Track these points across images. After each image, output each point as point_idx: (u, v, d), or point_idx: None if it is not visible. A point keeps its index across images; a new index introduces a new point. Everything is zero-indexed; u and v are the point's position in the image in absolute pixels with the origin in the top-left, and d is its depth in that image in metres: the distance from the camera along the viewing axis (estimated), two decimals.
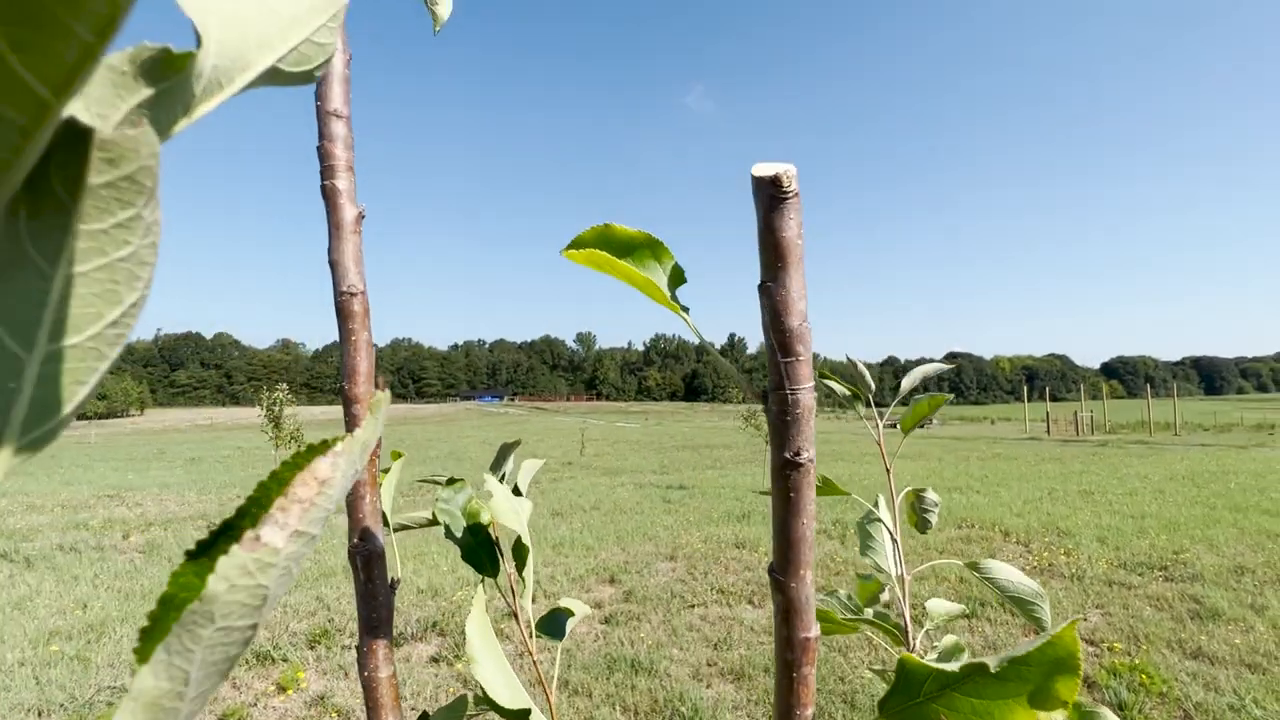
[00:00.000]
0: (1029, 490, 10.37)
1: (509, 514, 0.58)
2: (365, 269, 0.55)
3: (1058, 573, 5.71)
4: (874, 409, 0.74)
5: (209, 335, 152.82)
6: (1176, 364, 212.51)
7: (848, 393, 0.74)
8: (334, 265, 0.53)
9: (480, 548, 0.62)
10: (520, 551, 0.61)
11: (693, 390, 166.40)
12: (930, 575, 5.46)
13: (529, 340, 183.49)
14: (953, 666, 0.28)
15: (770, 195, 0.35)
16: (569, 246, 0.40)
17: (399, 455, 0.63)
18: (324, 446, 0.17)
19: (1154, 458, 15.91)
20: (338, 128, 0.53)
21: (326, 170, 0.53)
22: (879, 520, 0.77)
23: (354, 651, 0.53)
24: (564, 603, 0.70)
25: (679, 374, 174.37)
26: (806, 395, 0.36)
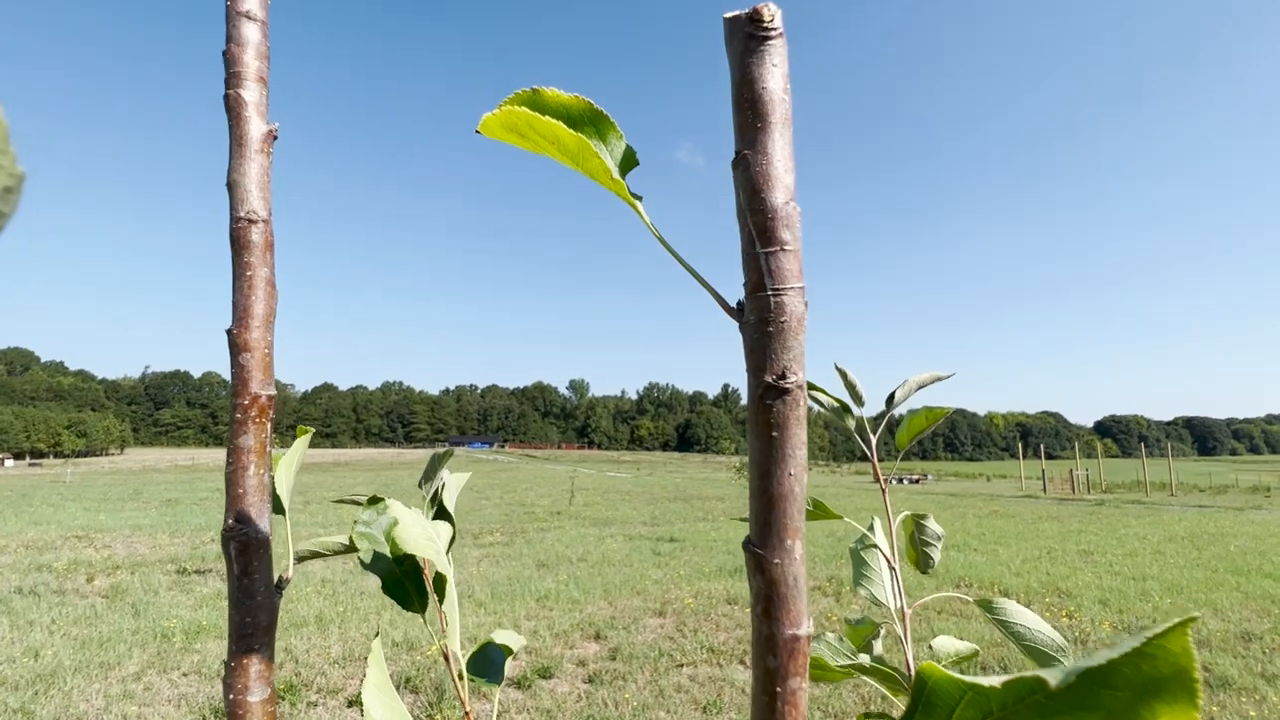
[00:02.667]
0: (1028, 549, 10.14)
1: (419, 541, 0.48)
2: (271, 195, 0.46)
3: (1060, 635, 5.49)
4: (867, 426, 0.65)
5: (197, 374, 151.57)
6: (1169, 424, 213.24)
7: (835, 404, 0.67)
8: (232, 187, 0.45)
9: (405, 578, 0.53)
10: (439, 584, 0.53)
11: (685, 440, 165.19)
12: (931, 615, 5.24)
13: (521, 386, 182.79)
14: (994, 682, 0.17)
15: (748, 35, 0.28)
16: (485, 119, 0.32)
17: (306, 431, 0.55)
18: None
19: (1151, 518, 15.70)
20: (249, 31, 0.46)
21: (232, 78, 0.46)
22: (875, 546, 0.68)
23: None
24: (497, 636, 0.60)
25: (672, 424, 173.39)
26: (794, 299, 0.27)
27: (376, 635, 0.46)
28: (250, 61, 0.46)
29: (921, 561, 0.69)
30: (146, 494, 20.67)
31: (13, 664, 4.42)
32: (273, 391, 0.44)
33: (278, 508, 0.46)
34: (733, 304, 0.30)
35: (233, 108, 0.46)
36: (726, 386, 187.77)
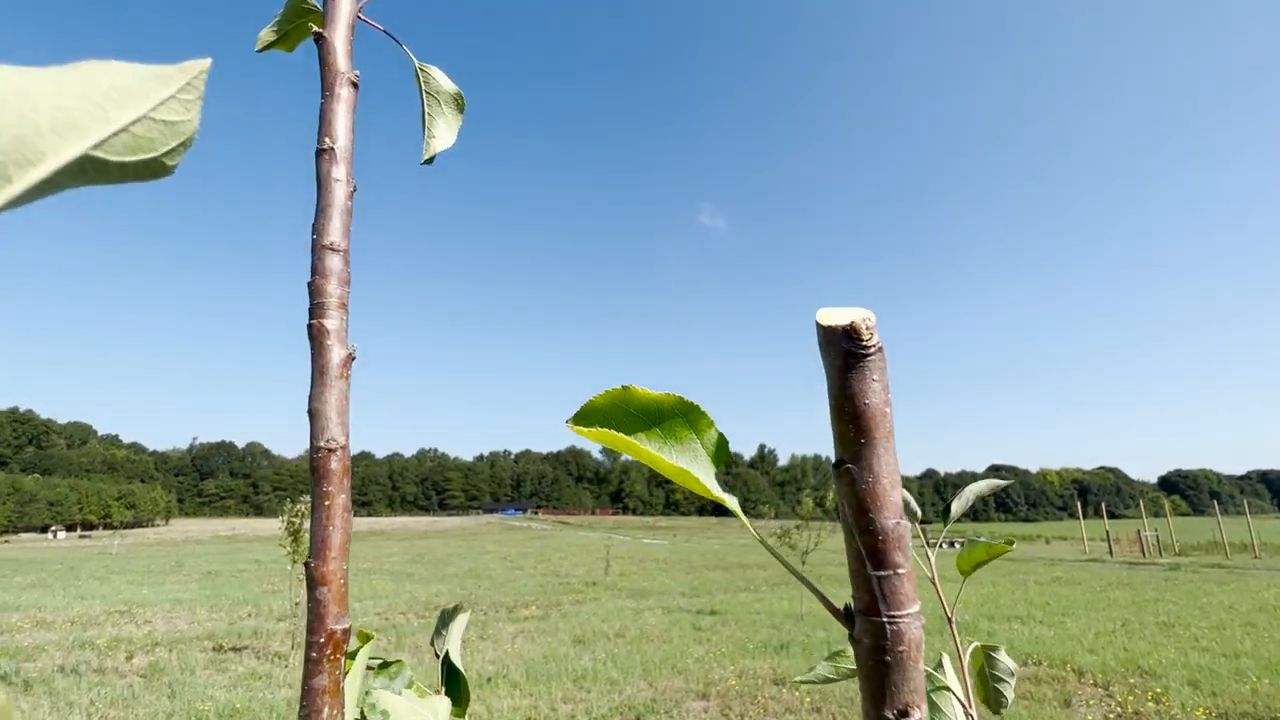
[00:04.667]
0: (1099, 621, 9.36)
1: None
2: (350, 419, 0.46)
3: None
4: (924, 540, 0.61)
5: (241, 444, 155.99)
6: (1242, 478, 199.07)
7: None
8: (313, 415, 0.45)
9: None
10: None
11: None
12: None
13: (554, 451, 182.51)
14: None
15: (846, 352, 0.27)
16: (576, 419, 0.32)
17: (368, 637, 0.52)
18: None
19: (1236, 584, 14.40)
20: (333, 262, 0.48)
21: (316, 308, 0.47)
22: (946, 688, 0.62)
23: None
24: None
25: None
26: (913, 626, 0.25)
27: None
28: (333, 291, 0.48)
29: (993, 699, 0.62)
30: (188, 566, 20.93)
31: None
32: (348, 625, 0.43)
33: None
34: (839, 607, 0.29)
35: (315, 337, 0.47)
36: (763, 448, 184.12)
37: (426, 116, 0.71)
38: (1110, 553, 26.36)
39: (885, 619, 0.26)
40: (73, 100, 0.13)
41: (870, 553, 0.26)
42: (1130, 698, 5.53)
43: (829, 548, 17.52)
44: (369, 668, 0.58)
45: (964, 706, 0.59)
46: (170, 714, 5.17)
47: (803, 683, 0.61)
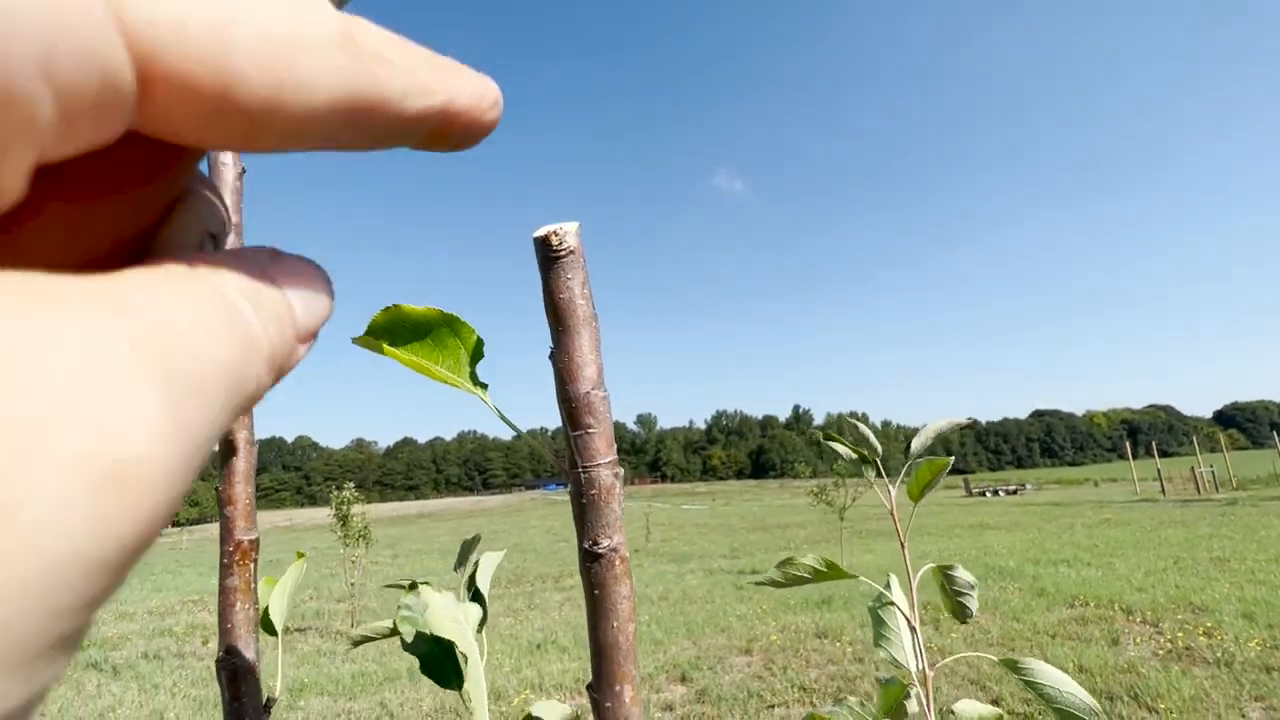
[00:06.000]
0: (1150, 560, 9.19)
1: (446, 624, 0.50)
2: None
3: (1199, 657, 4.90)
4: (885, 475, 0.64)
5: (290, 439, 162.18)
6: None
7: (853, 455, 0.66)
8: None
9: (444, 658, 0.54)
10: (461, 665, 0.53)
11: (760, 467, 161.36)
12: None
13: None
14: None
15: (544, 256, 0.33)
16: (362, 336, 0.36)
17: (302, 555, 0.57)
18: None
19: None
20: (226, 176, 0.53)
21: None
22: (893, 604, 0.65)
23: None
24: (536, 710, 0.59)
25: (744, 450, 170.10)
26: (604, 473, 0.31)
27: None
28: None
29: (959, 612, 0.65)
30: None
31: None
32: (254, 536, 0.49)
33: (270, 630, 0.49)
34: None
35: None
36: (797, 408, 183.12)
37: None
38: (1163, 492, 25.68)
39: (580, 469, 0.31)
40: None
41: (569, 418, 0.32)
42: (1180, 634, 5.46)
43: (866, 503, 17.49)
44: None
45: (908, 620, 0.62)
46: None
47: (758, 584, 0.66)
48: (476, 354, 0.37)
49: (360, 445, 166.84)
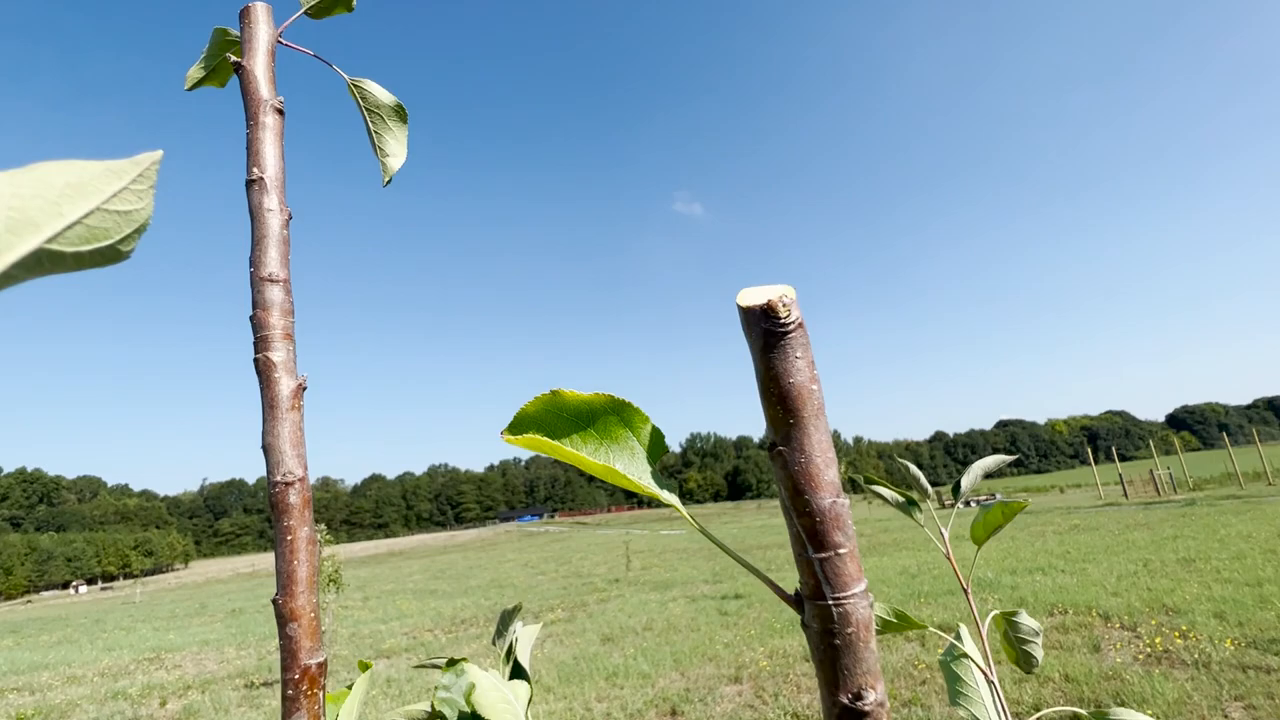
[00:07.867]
0: (1120, 564, 9.40)
1: (497, 707, 0.45)
2: (306, 450, 0.46)
3: (1178, 660, 4.98)
4: (935, 515, 0.60)
5: (251, 481, 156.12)
6: (1249, 407, 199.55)
7: (900, 498, 0.62)
8: (267, 450, 0.44)
9: None
10: None
11: (736, 488, 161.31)
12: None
13: None
14: None
15: (765, 331, 0.26)
16: (510, 428, 0.31)
17: (366, 666, 0.52)
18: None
19: (1252, 513, 14.45)
20: (273, 293, 0.47)
21: (260, 342, 0.46)
22: (965, 657, 0.61)
23: None
24: None
25: (720, 472, 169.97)
26: (859, 605, 0.24)
27: None
28: (276, 323, 0.47)
29: (1023, 661, 0.62)
30: (212, 606, 20.98)
31: None
32: (323, 659, 0.42)
33: None
34: (789, 592, 0.28)
35: (263, 371, 0.46)
36: None
37: (374, 135, 0.70)
38: (1125, 495, 26.46)
39: (831, 601, 0.25)
40: (27, 200, 0.14)
41: (810, 535, 0.25)
42: (1158, 637, 5.55)
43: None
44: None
45: (984, 673, 0.59)
46: None
47: None
48: (656, 447, 0.32)
49: (326, 484, 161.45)
